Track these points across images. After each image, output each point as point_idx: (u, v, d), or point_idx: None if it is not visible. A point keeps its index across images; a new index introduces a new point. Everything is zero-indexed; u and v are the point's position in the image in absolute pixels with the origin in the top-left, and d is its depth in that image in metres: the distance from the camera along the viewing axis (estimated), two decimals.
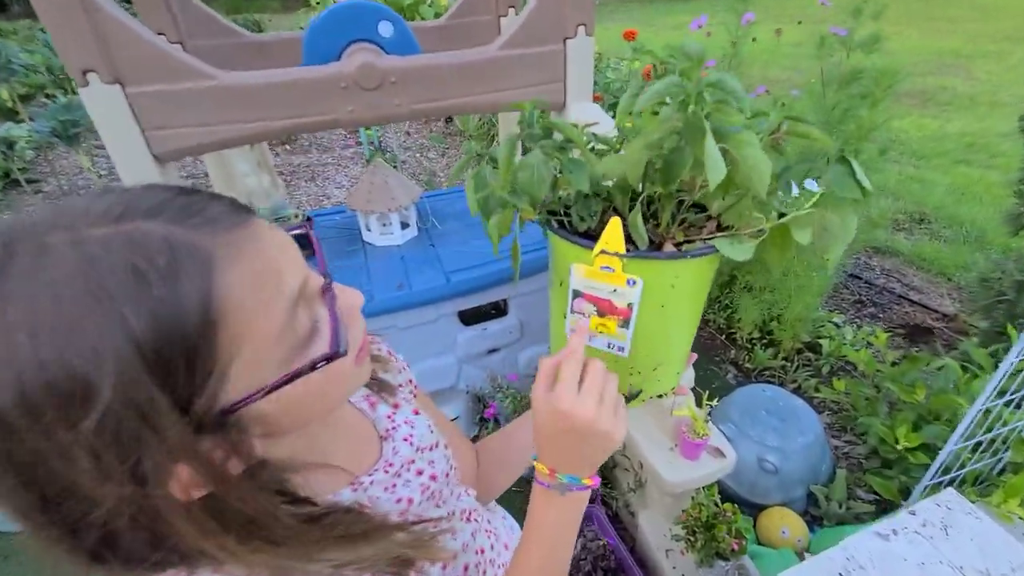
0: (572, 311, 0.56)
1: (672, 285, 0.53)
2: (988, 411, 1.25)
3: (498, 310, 1.82)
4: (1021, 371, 1.20)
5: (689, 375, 1.28)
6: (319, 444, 0.46)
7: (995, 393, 1.19)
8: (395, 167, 2.91)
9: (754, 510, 1.61)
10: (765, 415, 1.65)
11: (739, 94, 0.46)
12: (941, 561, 1.06)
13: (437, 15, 4.22)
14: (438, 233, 1.89)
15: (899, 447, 1.44)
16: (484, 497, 0.74)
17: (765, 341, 2.25)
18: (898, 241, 3.00)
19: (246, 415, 0.34)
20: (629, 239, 0.51)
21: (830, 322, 2.29)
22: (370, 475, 0.51)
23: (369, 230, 1.84)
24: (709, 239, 0.53)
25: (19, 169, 4.08)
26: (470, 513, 0.63)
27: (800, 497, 1.60)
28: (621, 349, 0.57)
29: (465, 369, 1.76)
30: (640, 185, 0.54)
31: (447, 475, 0.60)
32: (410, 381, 0.65)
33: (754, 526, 1.57)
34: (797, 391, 2.09)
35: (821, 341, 2.16)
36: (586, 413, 0.47)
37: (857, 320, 2.42)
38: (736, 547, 1.16)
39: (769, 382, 2.15)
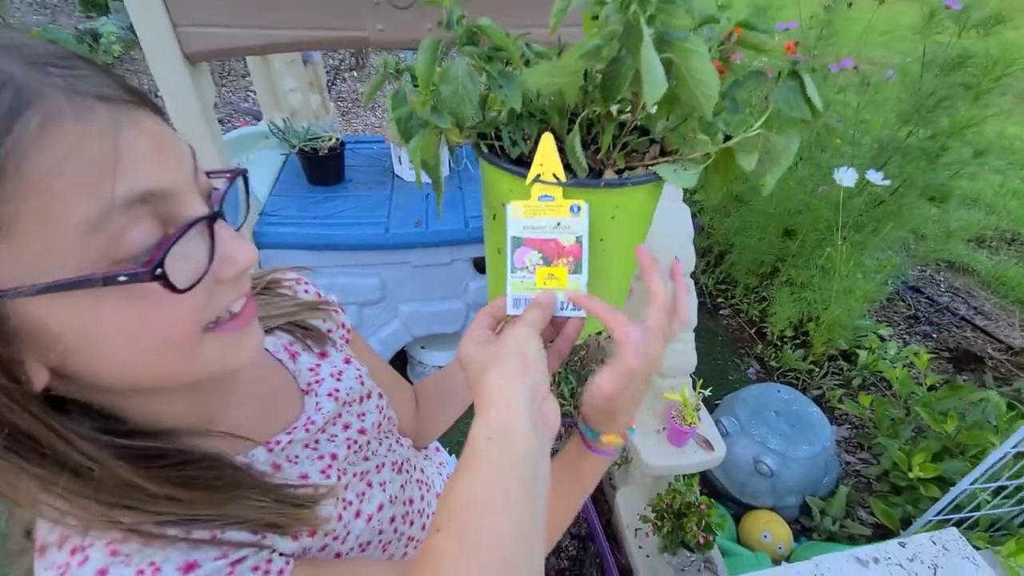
0: (514, 268, 0.46)
1: (612, 217, 0.47)
2: (1021, 455, 1.12)
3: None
4: None
5: (690, 359, 1.21)
6: (206, 409, 0.42)
7: None
8: None
9: (741, 509, 1.55)
10: (774, 416, 1.56)
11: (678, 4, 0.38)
12: None
13: None
14: (468, 176, 1.84)
15: (912, 475, 1.33)
16: (422, 439, 0.72)
17: (798, 341, 2.11)
18: (977, 259, 2.69)
19: (17, 320, 0.28)
20: (567, 166, 0.45)
21: (875, 333, 2.11)
22: (289, 433, 0.48)
23: (400, 163, 1.82)
24: (652, 165, 0.46)
25: (105, 64, 4.28)
26: (402, 464, 0.61)
27: (793, 505, 1.52)
28: (576, 308, 0.47)
29: (472, 316, 1.74)
30: (579, 104, 0.47)
31: (379, 426, 0.58)
32: (343, 325, 0.62)
33: (737, 524, 1.52)
34: (819, 399, 1.96)
35: (859, 352, 2.00)
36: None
37: (906, 336, 2.22)
38: (702, 540, 1.12)
39: (791, 384, 2.03)
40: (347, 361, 0.58)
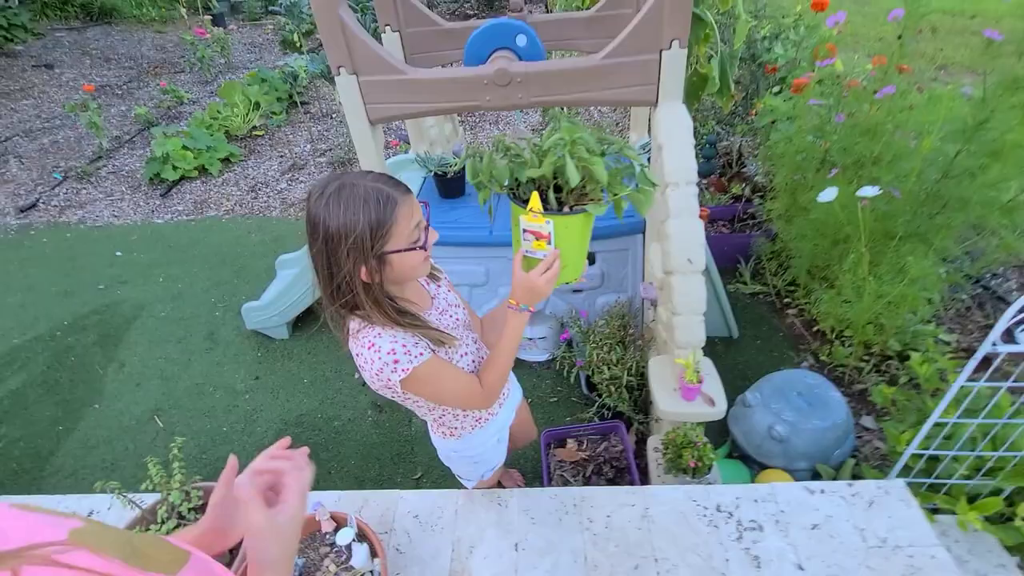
0: (524, 239, 1.01)
1: (566, 226, 0.97)
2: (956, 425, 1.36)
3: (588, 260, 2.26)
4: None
5: (698, 335, 1.61)
6: (408, 290, 1.06)
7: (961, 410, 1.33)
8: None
9: (760, 468, 1.88)
10: (795, 396, 1.87)
11: (591, 145, 0.89)
12: (847, 520, 1.31)
13: None
14: None
15: (898, 450, 1.57)
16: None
17: (849, 340, 2.30)
18: None
19: (390, 258, 0.93)
20: (545, 202, 0.97)
21: (938, 339, 2.22)
22: (430, 312, 1.10)
23: None
24: (584, 205, 0.97)
25: (297, 93, 5.52)
26: (476, 339, 1.20)
27: (804, 469, 1.82)
28: (548, 254, 1.00)
29: (553, 300, 2.27)
30: (553, 177, 0.98)
31: (466, 323, 1.17)
32: (447, 279, 1.23)
33: (753, 479, 1.86)
34: (862, 394, 2.16)
35: (913, 353, 2.15)
36: (539, 282, 0.98)
37: (977, 344, 2.27)
38: (694, 465, 1.53)
39: (839, 379, 2.24)
40: (450, 290, 1.20)
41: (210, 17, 7.71)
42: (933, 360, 1.88)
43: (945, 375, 1.84)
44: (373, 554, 1.26)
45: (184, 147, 4.43)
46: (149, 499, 1.37)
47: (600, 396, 2.06)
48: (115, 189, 4.48)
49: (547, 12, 6.25)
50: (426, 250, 0.98)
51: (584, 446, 2.01)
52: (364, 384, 2.53)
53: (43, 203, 4.33)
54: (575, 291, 2.26)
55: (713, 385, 1.65)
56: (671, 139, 1.66)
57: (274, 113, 5.17)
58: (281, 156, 4.76)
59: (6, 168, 4.79)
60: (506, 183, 1.02)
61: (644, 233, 2.11)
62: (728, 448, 2.01)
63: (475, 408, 1.21)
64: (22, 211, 4.22)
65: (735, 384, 2.14)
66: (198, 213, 4.09)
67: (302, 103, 5.55)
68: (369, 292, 0.94)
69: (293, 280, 2.61)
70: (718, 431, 2.03)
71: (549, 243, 0.98)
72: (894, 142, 2.17)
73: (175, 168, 4.39)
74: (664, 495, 1.42)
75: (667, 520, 1.36)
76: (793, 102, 2.62)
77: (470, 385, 1.08)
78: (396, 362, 0.95)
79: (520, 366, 2.53)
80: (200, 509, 1.37)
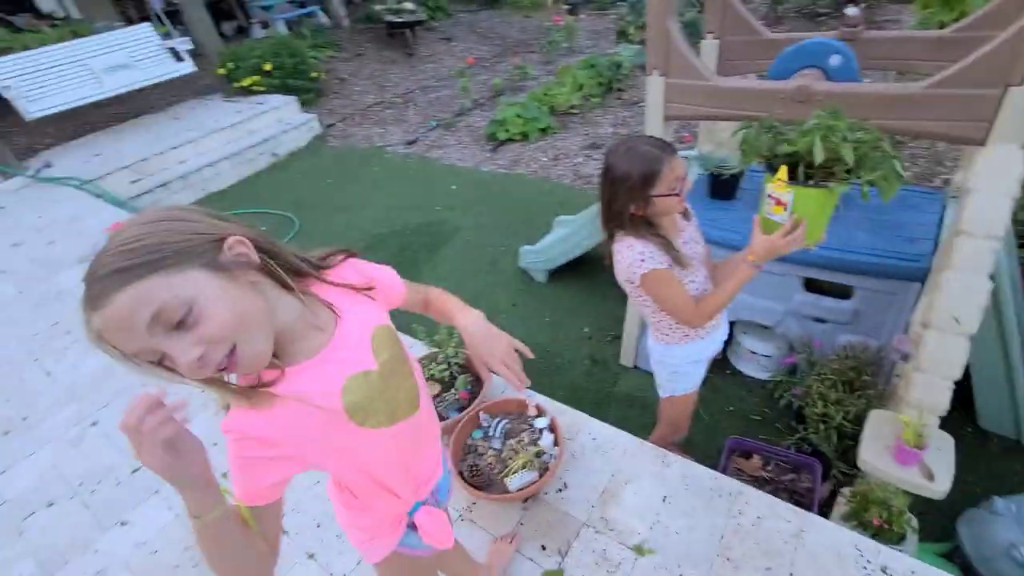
0: (767, 203, 1.19)
1: (806, 196, 1.12)
2: None
3: (842, 291, 2.12)
4: None
5: (940, 401, 1.46)
6: (667, 221, 1.35)
7: None
8: None
9: None
10: None
11: (844, 131, 1.05)
12: None
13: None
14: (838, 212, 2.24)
15: None
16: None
17: None
18: None
19: (654, 199, 1.27)
20: (794, 175, 1.13)
21: None
22: (677, 240, 1.37)
23: None
24: (827, 183, 1.11)
25: (616, 80, 6.09)
26: (706, 275, 1.44)
27: None
28: (783, 219, 1.19)
29: (788, 320, 2.22)
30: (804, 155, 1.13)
31: (702, 258, 1.46)
32: (696, 221, 1.49)
33: None
34: None
35: None
36: (780, 243, 1.18)
37: None
38: (877, 522, 1.42)
39: None
40: (696, 229, 1.47)
41: (568, 6, 8.89)
42: None
43: None
44: (555, 444, 1.65)
45: (517, 115, 5.46)
46: (432, 350, 2.04)
47: (807, 430, 1.99)
48: (463, 139, 5.84)
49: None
50: (680, 196, 1.27)
51: (770, 467, 2.00)
52: (591, 338, 2.94)
53: (420, 140, 5.96)
54: (818, 320, 2.17)
55: (941, 461, 1.48)
56: (985, 185, 1.48)
57: (592, 96, 5.85)
58: (585, 134, 5.42)
59: (406, 112, 6.71)
60: (764, 152, 1.22)
61: (924, 283, 1.88)
62: (948, 548, 1.73)
63: (686, 323, 1.44)
64: (408, 144, 5.90)
65: (990, 489, 1.78)
66: (511, 168, 5.06)
67: (618, 89, 6.10)
68: (635, 220, 1.30)
69: (564, 236, 3.14)
70: (939, 528, 1.76)
71: (786, 210, 1.16)
72: None
73: (507, 131, 5.46)
74: (827, 528, 1.41)
75: (818, 550, 1.37)
76: None
77: (689, 303, 1.35)
78: (643, 261, 1.29)
79: (736, 377, 2.56)
80: (459, 366, 1.98)
